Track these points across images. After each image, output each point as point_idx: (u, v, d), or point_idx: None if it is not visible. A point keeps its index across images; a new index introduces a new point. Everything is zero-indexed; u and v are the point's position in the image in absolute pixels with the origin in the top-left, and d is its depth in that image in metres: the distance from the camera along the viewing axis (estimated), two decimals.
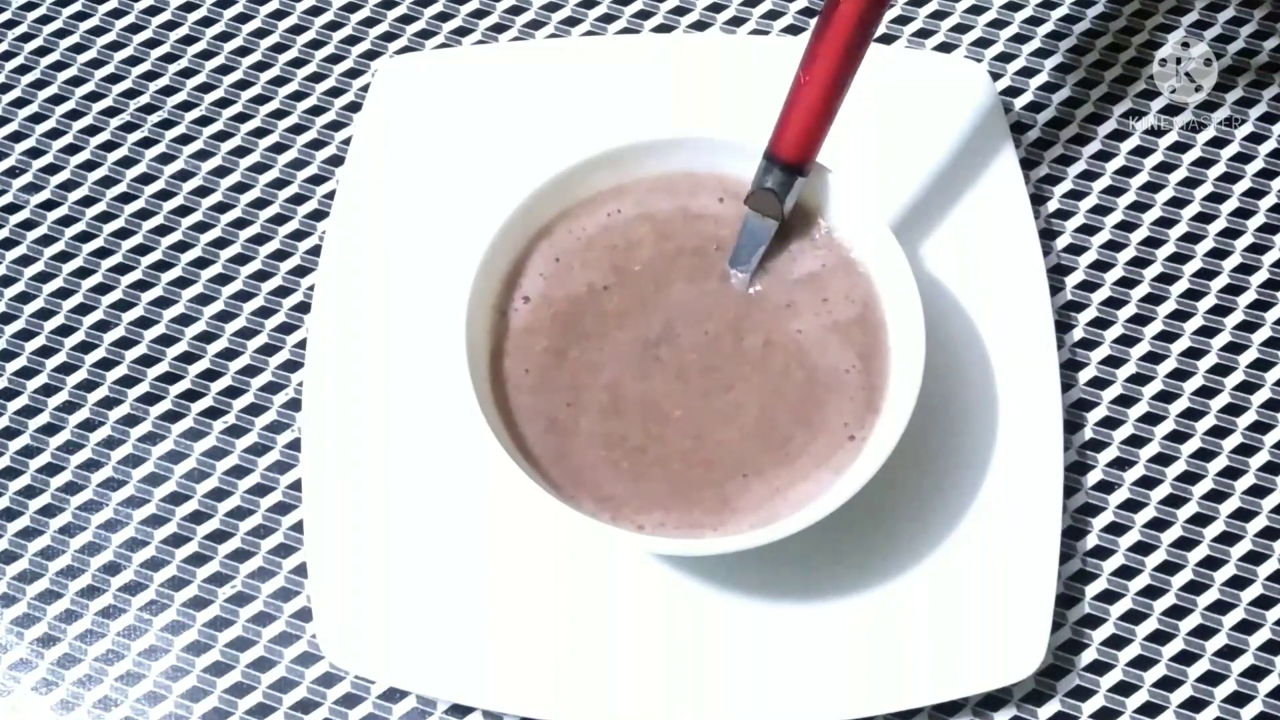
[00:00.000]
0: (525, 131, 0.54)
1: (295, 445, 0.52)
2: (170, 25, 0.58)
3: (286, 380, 0.53)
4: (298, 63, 0.58)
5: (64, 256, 0.55)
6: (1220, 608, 0.51)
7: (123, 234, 0.55)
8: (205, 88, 0.57)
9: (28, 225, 0.56)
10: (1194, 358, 0.54)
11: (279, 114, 0.57)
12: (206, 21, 0.58)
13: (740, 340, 0.48)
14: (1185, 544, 0.52)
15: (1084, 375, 0.54)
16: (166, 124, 0.57)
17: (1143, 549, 0.52)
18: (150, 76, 0.58)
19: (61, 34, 0.58)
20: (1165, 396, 0.53)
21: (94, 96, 0.57)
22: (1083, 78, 0.58)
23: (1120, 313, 0.54)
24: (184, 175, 0.56)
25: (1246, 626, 0.51)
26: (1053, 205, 0.56)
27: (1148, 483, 0.52)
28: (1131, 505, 0.52)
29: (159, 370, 0.54)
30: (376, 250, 0.53)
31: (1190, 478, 0.52)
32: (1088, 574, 0.51)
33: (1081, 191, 0.56)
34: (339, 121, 0.57)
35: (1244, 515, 0.52)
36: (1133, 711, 0.50)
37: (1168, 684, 0.50)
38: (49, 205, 0.56)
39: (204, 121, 0.57)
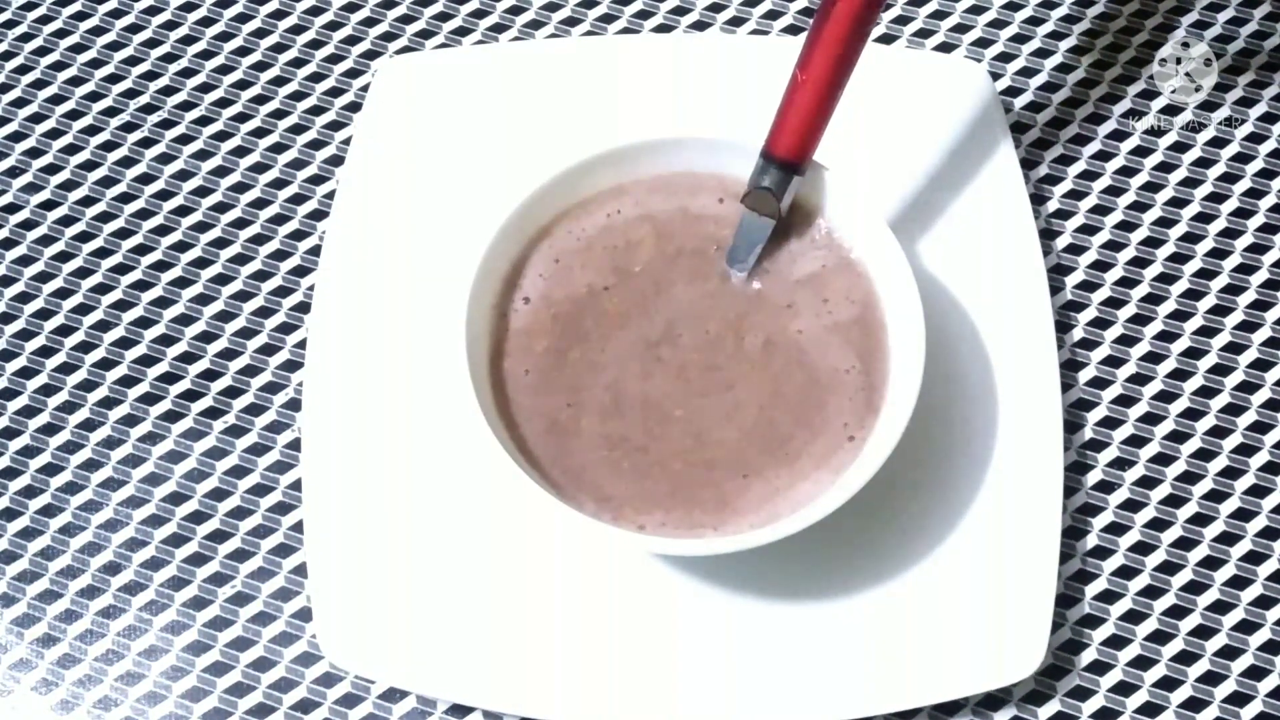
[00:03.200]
0: (525, 131, 0.54)
1: (295, 445, 0.52)
2: (170, 25, 0.58)
3: (286, 380, 0.53)
4: (298, 63, 0.58)
5: (64, 256, 0.55)
6: (1220, 608, 0.51)
7: (123, 234, 0.55)
8: (205, 88, 0.57)
9: (28, 225, 0.56)
10: (1194, 358, 0.54)
11: (279, 114, 0.57)
12: (206, 21, 0.58)
13: (741, 340, 0.48)
14: (1185, 544, 0.52)
15: (1084, 375, 0.54)
16: (166, 124, 0.57)
17: (1143, 549, 0.52)
18: (150, 76, 0.58)
19: (61, 34, 0.58)
20: (1165, 396, 0.53)
21: (94, 96, 0.57)
22: (1083, 78, 0.58)
23: (1120, 313, 0.54)
24: (184, 175, 0.56)
25: (1246, 626, 0.51)
26: (1053, 205, 0.56)
27: (1148, 483, 0.52)
28: (1131, 505, 0.52)
29: (159, 370, 0.54)
30: (376, 250, 0.53)
31: (1190, 478, 0.52)
32: (1088, 574, 0.51)
33: (1081, 191, 0.56)
34: (339, 121, 0.57)
35: (1244, 515, 0.52)
36: (1133, 711, 0.50)
37: (1168, 684, 0.50)
38: (49, 205, 0.56)
39: (204, 121, 0.57)
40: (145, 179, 0.56)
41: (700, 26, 0.58)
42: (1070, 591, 0.51)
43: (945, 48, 0.58)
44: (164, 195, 0.56)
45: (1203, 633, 0.51)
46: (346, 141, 0.56)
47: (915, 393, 0.46)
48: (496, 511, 0.50)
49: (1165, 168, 0.56)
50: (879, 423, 0.47)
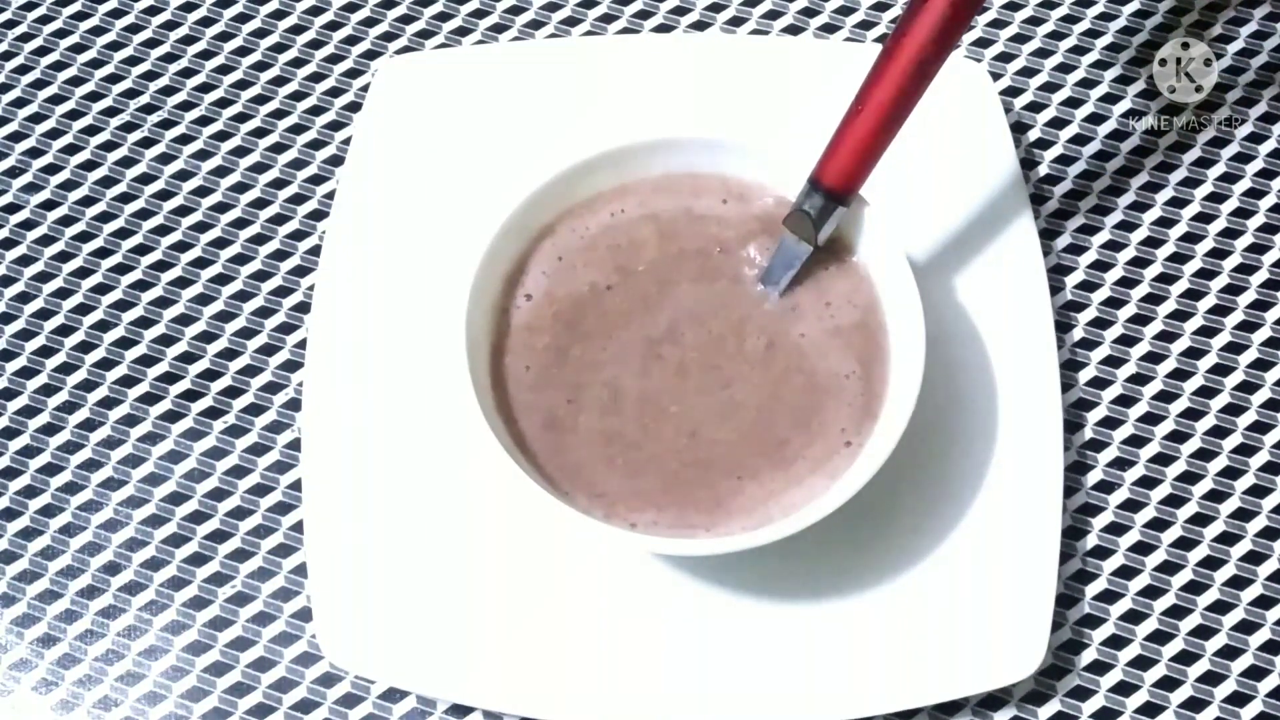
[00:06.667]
0: (525, 131, 0.54)
1: (295, 445, 0.52)
2: (170, 25, 0.58)
3: (286, 380, 0.53)
4: (298, 63, 0.58)
5: (64, 256, 0.55)
6: (1220, 608, 0.51)
7: (123, 234, 0.55)
8: (205, 88, 0.57)
9: (28, 225, 0.56)
10: (1194, 358, 0.54)
11: (279, 114, 0.57)
12: (206, 21, 0.58)
13: (743, 342, 0.48)
14: (1185, 544, 0.52)
15: (1084, 375, 0.54)
16: (166, 124, 0.57)
17: (1143, 549, 0.52)
18: (150, 76, 0.58)
19: (61, 34, 0.58)
20: (1165, 396, 0.53)
21: (94, 96, 0.57)
22: (1083, 78, 0.58)
23: (1120, 313, 0.54)
24: (184, 175, 0.56)
25: (1246, 626, 0.51)
26: (1053, 205, 0.56)
27: (1148, 483, 0.52)
28: (1131, 505, 0.52)
29: (159, 370, 0.54)
30: (376, 250, 0.53)
31: (1190, 478, 0.52)
32: (1088, 574, 0.51)
33: (1081, 191, 0.56)
34: (339, 121, 0.57)
35: (1244, 515, 0.52)
36: (1133, 711, 0.50)
37: (1168, 684, 0.50)
38: (49, 205, 0.56)
39: (204, 121, 0.57)
40: (145, 179, 0.56)
41: (700, 26, 0.58)
42: (1070, 591, 0.51)
43: None
44: (164, 195, 0.56)
45: (1203, 633, 0.51)
46: (346, 141, 0.56)
47: (913, 401, 0.46)
48: (499, 512, 0.50)
49: (1165, 168, 0.56)
50: (876, 429, 0.47)
